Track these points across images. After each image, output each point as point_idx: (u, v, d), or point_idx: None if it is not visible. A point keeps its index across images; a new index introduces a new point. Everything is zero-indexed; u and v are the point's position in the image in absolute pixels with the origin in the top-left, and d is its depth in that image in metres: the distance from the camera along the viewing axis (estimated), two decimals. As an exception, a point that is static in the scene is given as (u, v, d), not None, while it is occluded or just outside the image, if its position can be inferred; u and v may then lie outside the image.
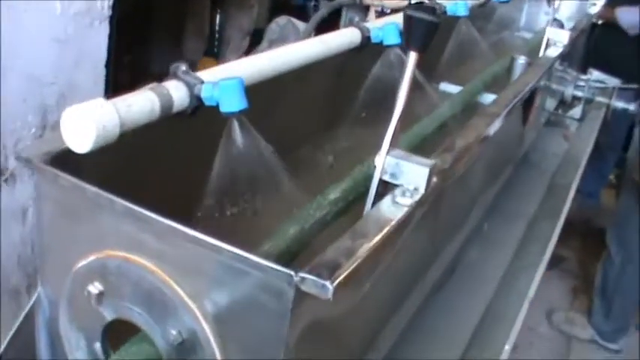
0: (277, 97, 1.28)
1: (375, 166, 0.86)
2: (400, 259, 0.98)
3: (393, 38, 1.37)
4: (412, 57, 0.83)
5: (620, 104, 3.01)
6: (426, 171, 0.83)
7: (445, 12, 1.83)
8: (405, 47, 0.83)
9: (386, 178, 0.85)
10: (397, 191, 0.84)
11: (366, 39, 1.38)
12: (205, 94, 0.90)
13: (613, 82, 3.05)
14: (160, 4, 3.32)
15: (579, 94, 3.00)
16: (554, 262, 3.06)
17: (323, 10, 2.40)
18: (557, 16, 3.32)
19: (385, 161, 0.85)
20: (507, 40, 2.98)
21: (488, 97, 2.04)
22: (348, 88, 1.44)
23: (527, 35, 3.19)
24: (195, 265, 0.73)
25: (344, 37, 1.33)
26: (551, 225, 2.00)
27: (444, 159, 0.96)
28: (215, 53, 3.79)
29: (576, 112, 3.05)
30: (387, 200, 0.83)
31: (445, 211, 1.30)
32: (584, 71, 3.14)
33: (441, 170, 0.91)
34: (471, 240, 1.75)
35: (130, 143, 0.85)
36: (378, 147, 0.86)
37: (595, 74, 3.06)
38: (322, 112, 1.49)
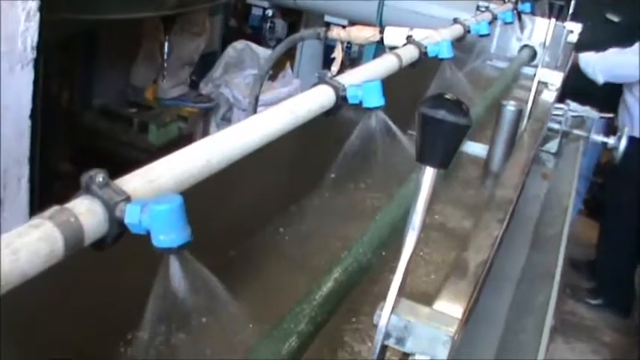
0: (230, 176, 1.02)
1: (378, 320, 0.61)
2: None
3: (374, 99, 1.12)
4: (428, 174, 0.58)
5: (599, 137, 2.81)
6: (448, 337, 0.58)
7: (426, 53, 1.60)
8: (419, 159, 0.58)
9: (390, 343, 0.60)
10: (406, 365, 0.59)
11: (341, 99, 1.13)
12: (131, 219, 0.64)
13: (592, 114, 2.86)
14: (107, 30, 3.04)
15: (556, 126, 2.79)
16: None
17: (282, 46, 2.15)
18: (530, 43, 3.14)
19: (389, 320, 0.59)
20: (479, 71, 2.76)
21: (472, 146, 1.82)
22: (318, 158, 1.19)
23: (500, 64, 2.98)
24: None
25: (314, 102, 1.08)
26: (546, 288, 1.76)
27: (458, 290, 0.71)
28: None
29: (552, 145, 2.83)
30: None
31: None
32: (560, 101, 2.94)
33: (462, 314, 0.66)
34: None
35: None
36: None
37: (572, 105, 2.85)
38: (286, 186, 1.23)
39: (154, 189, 0.71)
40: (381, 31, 1.83)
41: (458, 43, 2.35)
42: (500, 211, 0.93)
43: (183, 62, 3.46)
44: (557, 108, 2.78)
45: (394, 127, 1.13)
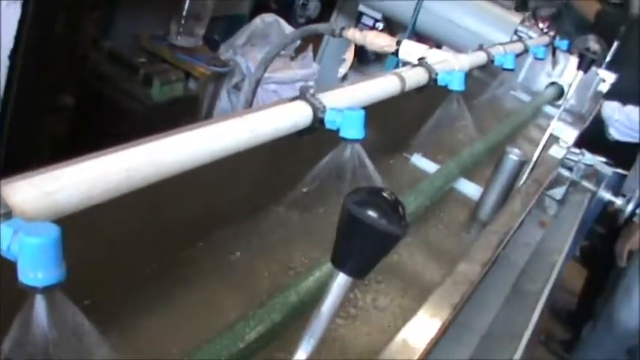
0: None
1: None
2: None
3: (353, 131, 1.01)
4: (341, 282, 0.47)
5: (607, 195, 2.68)
6: None
7: (436, 80, 1.49)
8: (333, 263, 0.47)
9: None
10: None
11: (318, 121, 1.02)
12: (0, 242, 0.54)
13: (605, 169, 2.73)
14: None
15: (566, 173, 2.66)
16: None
17: (294, 35, 2.03)
18: (559, 81, 3.00)
19: None
20: (499, 100, 2.63)
21: (467, 185, 1.71)
22: (281, 178, 1.09)
23: (524, 97, 2.85)
24: None
25: (287, 118, 0.97)
26: (510, 347, 1.65)
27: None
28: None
29: (558, 192, 2.69)
30: None
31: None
32: (577, 146, 2.79)
33: None
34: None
35: None
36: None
37: (588, 156, 2.72)
38: (243, 197, 1.13)
39: (51, 204, 0.61)
40: (398, 43, 1.71)
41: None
42: (457, 292, 0.82)
43: (193, 17, 3.31)
44: (571, 152, 2.65)
45: (369, 163, 1.03)
